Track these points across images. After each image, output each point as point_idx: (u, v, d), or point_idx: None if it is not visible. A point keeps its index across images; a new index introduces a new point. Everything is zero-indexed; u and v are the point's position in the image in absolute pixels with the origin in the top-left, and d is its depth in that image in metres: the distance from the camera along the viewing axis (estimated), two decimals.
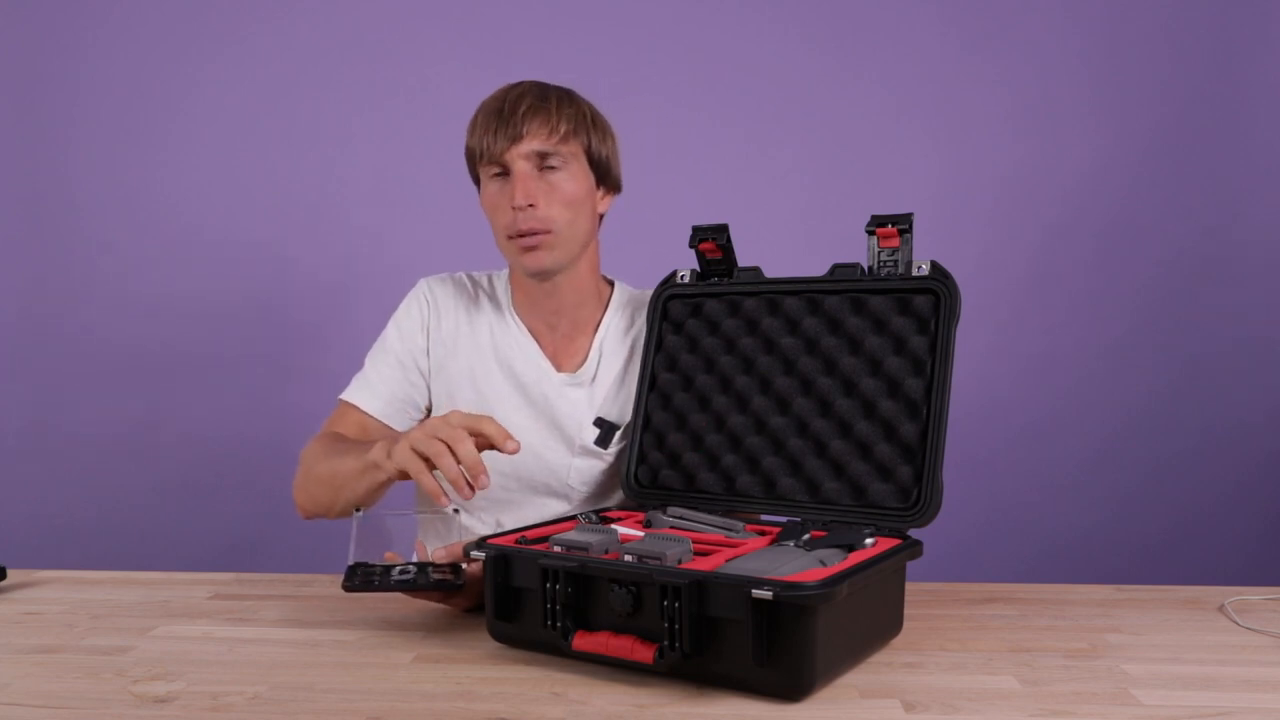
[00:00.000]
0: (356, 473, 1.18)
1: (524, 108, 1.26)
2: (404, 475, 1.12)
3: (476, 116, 1.31)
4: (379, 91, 2.39)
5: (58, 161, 2.41)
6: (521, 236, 1.28)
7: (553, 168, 1.28)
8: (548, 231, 1.28)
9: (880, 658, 1.01)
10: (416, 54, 2.38)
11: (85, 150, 2.40)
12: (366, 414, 1.36)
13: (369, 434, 1.35)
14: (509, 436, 1.07)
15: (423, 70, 2.38)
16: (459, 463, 1.04)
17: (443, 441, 1.05)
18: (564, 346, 1.39)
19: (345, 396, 1.38)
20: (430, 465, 1.06)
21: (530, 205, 1.26)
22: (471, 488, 1.04)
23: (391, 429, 1.37)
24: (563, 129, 1.28)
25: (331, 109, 2.39)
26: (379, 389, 1.37)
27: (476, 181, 1.36)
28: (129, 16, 2.38)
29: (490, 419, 1.07)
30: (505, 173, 1.28)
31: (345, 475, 1.20)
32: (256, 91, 2.39)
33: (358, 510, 1.15)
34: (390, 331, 1.41)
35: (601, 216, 1.39)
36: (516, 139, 1.26)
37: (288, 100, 2.39)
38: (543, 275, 1.32)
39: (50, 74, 2.39)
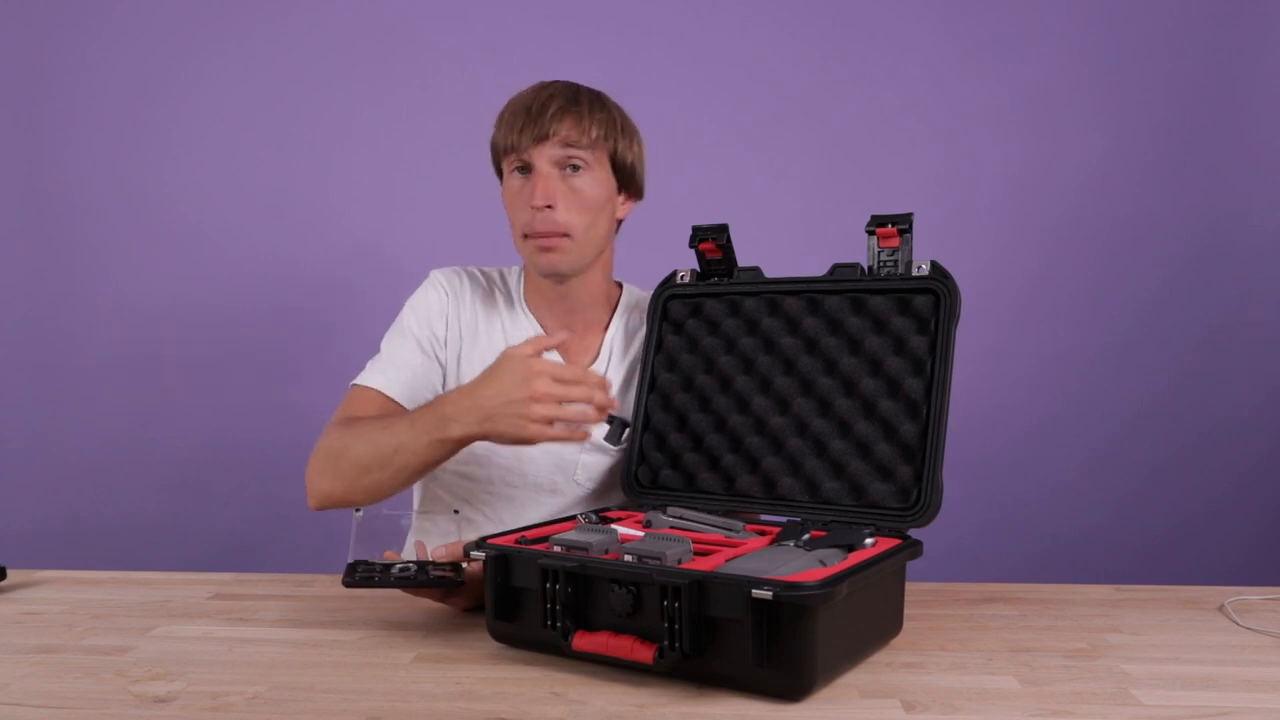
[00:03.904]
0: (423, 446, 1.16)
1: (554, 108, 1.26)
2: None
3: (504, 112, 1.31)
4: (379, 91, 2.38)
5: (58, 161, 2.41)
6: (538, 237, 1.28)
7: (576, 170, 1.28)
8: (565, 235, 1.28)
9: (880, 658, 1.01)
10: (416, 54, 2.38)
11: (85, 150, 2.40)
12: (389, 398, 1.31)
13: None
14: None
15: (423, 70, 2.38)
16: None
17: (550, 397, 1.10)
18: (575, 344, 1.40)
19: (362, 381, 1.33)
20: (549, 420, 1.11)
21: (548, 207, 1.26)
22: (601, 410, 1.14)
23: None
24: (592, 133, 1.28)
25: (331, 109, 2.39)
26: (402, 372, 1.34)
27: (500, 176, 1.36)
28: (130, 16, 2.38)
29: (565, 369, 1.14)
30: (527, 169, 1.28)
31: (408, 450, 1.17)
32: (257, 91, 2.39)
33: (357, 510, 1.16)
34: (408, 316, 1.38)
35: (620, 222, 1.39)
36: (542, 138, 1.26)
37: (288, 100, 2.39)
38: (557, 277, 1.33)
39: (50, 74, 2.39)
